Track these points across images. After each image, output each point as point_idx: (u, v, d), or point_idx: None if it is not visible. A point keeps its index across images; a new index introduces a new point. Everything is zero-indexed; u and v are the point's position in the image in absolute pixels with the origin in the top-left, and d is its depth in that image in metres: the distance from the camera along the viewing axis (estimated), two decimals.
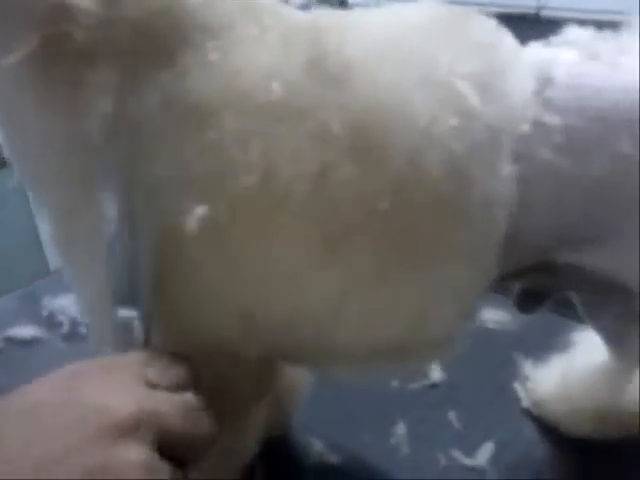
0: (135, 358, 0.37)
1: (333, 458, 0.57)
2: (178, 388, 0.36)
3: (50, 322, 0.74)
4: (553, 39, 0.41)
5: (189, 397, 0.36)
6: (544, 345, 0.63)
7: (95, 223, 0.40)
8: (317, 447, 0.57)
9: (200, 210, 0.36)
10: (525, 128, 0.38)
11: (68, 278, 0.43)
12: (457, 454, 0.56)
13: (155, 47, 0.37)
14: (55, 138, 0.37)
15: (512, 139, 0.38)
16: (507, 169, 0.38)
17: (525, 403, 0.61)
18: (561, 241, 0.40)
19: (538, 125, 0.38)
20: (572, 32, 0.41)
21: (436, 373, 0.65)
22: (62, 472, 0.29)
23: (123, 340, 0.43)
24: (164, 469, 0.32)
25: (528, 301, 0.50)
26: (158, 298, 0.41)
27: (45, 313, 0.75)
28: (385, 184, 0.37)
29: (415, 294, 0.40)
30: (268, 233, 0.38)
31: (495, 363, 0.66)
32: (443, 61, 0.38)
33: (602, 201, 0.38)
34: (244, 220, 0.37)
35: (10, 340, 0.72)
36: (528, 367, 0.64)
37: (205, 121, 0.36)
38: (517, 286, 0.50)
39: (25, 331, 0.73)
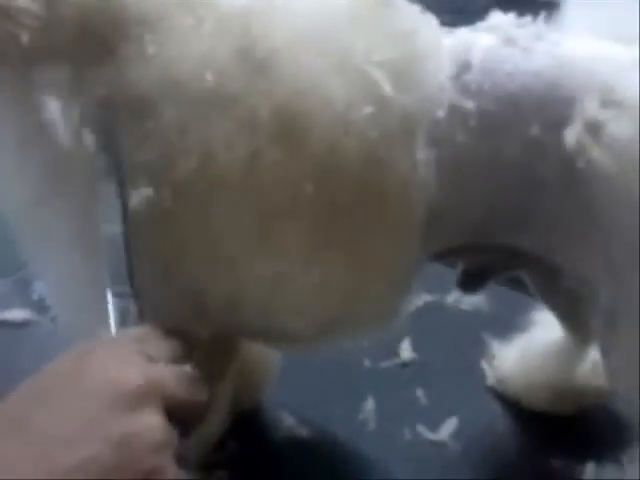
0: (133, 335, 0.39)
1: (303, 432, 0.59)
2: (175, 360, 0.38)
3: (40, 305, 0.77)
4: (479, 24, 0.43)
5: (186, 368, 0.37)
6: (513, 325, 0.65)
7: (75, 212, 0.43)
8: (288, 421, 0.60)
9: (143, 192, 0.38)
10: (440, 113, 0.40)
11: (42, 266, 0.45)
12: (422, 429, 0.59)
13: (97, 43, 0.39)
14: (11, 134, 0.40)
15: (427, 124, 0.40)
16: (422, 153, 0.40)
17: (490, 381, 0.63)
18: (490, 221, 0.42)
19: (454, 110, 0.40)
20: (495, 17, 0.42)
21: (407, 352, 0.67)
22: (91, 445, 0.30)
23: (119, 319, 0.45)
24: (174, 435, 0.34)
25: (470, 280, 0.52)
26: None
27: (35, 297, 0.78)
28: (308, 167, 0.39)
29: (344, 271, 0.42)
30: (208, 216, 0.40)
31: (465, 343, 0.68)
32: (360, 48, 0.39)
33: (518, 183, 0.40)
34: (186, 203, 0.39)
35: (3, 323, 0.76)
36: (496, 346, 0.66)
37: (144, 111, 0.38)
38: (460, 265, 0.52)
39: (17, 314, 0.76)
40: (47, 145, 0.39)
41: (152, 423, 0.32)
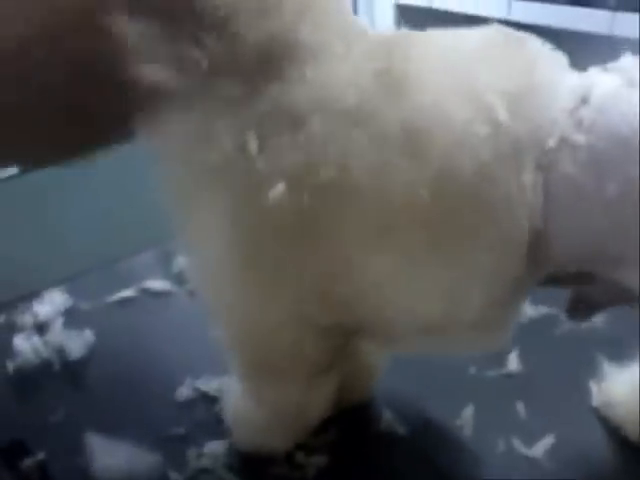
0: None
1: (401, 429, 0.62)
2: None
3: (179, 279, 0.85)
4: (609, 65, 0.44)
5: None
6: (630, 349, 0.63)
7: None
8: (387, 416, 0.63)
9: (281, 186, 0.44)
10: (551, 143, 0.42)
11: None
12: (517, 443, 0.60)
13: (269, 64, 0.45)
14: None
15: (537, 152, 0.42)
16: (529, 176, 0.42)
17: (595, 402, 0.63)
18: (592, 254, 0.43)
19: (565, 141, 0.42)
20: (625, 60, 0.43)
21: (513, 364, 0.68)
22: None
23: None
24: None
25: (577, 309, 0.53)
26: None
27: (176, 270, 0.86)
28: (427, 177, 0.43)
29: (447, 277, 0.46)
30: (339, 220, 0.45)
31: (576, 360, 0.67)
32: (483, 77, 0.43)
33: (618, 220, 0.40)
34: (320, 207, 0.44)
35: (145, 291, 0.84)
36: (607, 368, 0.65)
37: (297, 124, 0.44)
38: (569, 294, 0.53)
39: (158, 284, 0.85)
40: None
41: None
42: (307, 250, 0.46)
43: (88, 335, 0.75)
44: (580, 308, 0.53)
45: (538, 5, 1.69)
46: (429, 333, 0.50)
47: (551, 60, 0.45)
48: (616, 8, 1.49)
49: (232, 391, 0.61)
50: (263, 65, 0.45)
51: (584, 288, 0.50)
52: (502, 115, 0.42)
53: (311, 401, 0.56)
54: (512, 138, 0.42)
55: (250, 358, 0.55)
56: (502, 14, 1.79)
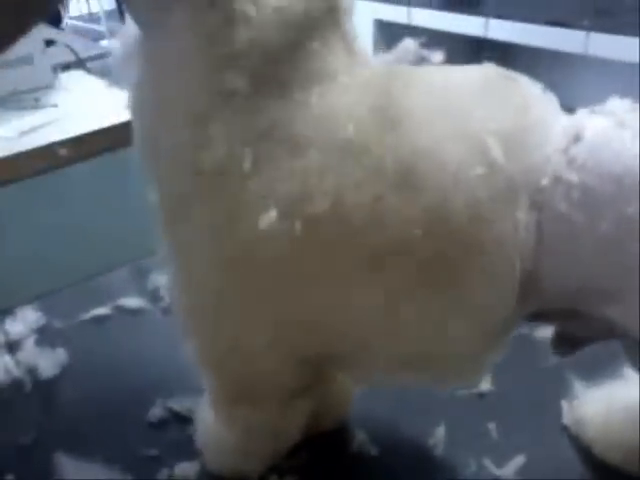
0: None
1: (373, 450, 0.62)
2: None
3: (154, 296, 0.84)
4: (597, 108, 0.45)
5: None
6: (602, 369, 0.64)
7: None
8: (360, 437, 0.63)
9: (272, 214, 0.43)
10: (544, 182, 0.42)
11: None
12: (488, 462, 0.60)
13: (277, 78, 0.45)
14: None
15: (531, 190, 0.43)
16: (523, 215, 0.42)
17: (566, 421, 0.64)
18: (581, 291, 0.44)
19: (558, 180, 0.42)
20: (613, 102, 0.45)
21: (485, 384, 0.68)
22: None
23: None
24: None
25: (562, 344, 0.53)
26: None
27: (151, 287, 0.86)
28: (420, 215, 0.43)
29: (437, 313, 0.46)
30: (330, 251, 0.45)
31: (548, 380, 0.68)
32: (478, 116, 0.43)
33: (611, 258, 0.41)
34: (312, 237, 0.44)
35: (119, 308, 0.84)
36: (579, 388, 0.66)
37: (297, 151, 0.44)
38: (554, 329, 0.53)
39: (132, 302, 0.84)
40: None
41: None
42: (293, 279, 0.46)
43: (61, 354, 0.75)
44: (564, 343, 0.53)
45: (515, 24, 1.72)
46: (411, 368, 0.50)
47: (543, 100, 0.46)
48: (590, 29, 1.52)
49: (204, 413, 0.60)
50: (266, 77, 0.44)
51: (569, 324, 0.50)
52: (497, 155, 0.42)
53: (285, 425, 0.56)
54: (506, 177, 0.42)
55: (225, 383, 0.54)
56: (479, 32, 1.82)
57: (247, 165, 0.44)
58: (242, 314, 0.49)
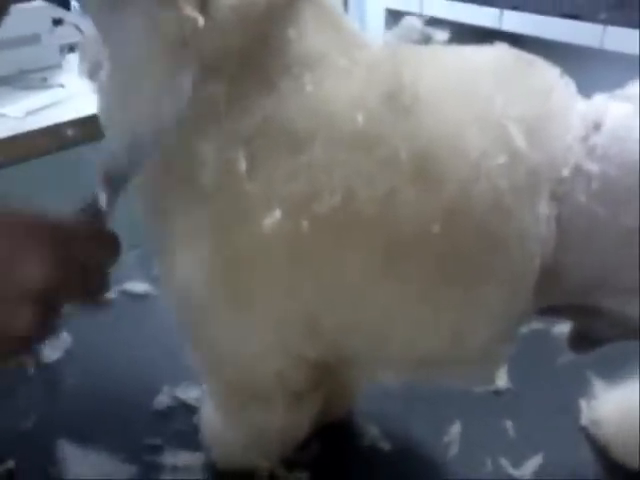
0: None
1: (385, 445, 0.60)
2: None
3: (159, 280, 0.82)
4: (617, 92, 0.43)
5: None
6: (622, 368, 0.62)
7: None
8: (371, 432, 0.61)
9: (277, 214, 0.41)
10: (565, 172, 0.40)
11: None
12: (504, 462, 0.58)
13: (257, 73, 0.42)
14: None
15: (552, 181, 0.40)
16: (544, 208, 0.40)
17: (584, 421, 0.62)
18: (601, 285, 0.42)
19: (578, 170, 0.40)
20: (634, 87, 0.42)
21: (502, 381, 0.66)
22: None
23: None
24: None
25: (580, 341, 0.51)
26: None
27: (156, 272, 0.83)
28: (438, 208, 0.40)
29: (453, 311, 0.43)
30: (341, 248, 0.42)
31: (566, 378, 0.66)
32: (498, 103, 0.40)
33: (632, 252, 0.39)
34: (322, 234, 0.42)
35: (124, 293, 0.82)
36: (599, 387, 0.64)
37: (298, 146, 0.41)
38: (571, 326, 0.51)
39: (138, 286, 0.82)
40: None
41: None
42: (300, 279, 0.43)
43: (65, 337, 0.73)
44: (583, 341, 0.51)
45: (530, 16, 1.69)
46: (425, 367, 0.48)
47: (563, 85, 0.43)
48: (607, 22, 1.50)
49: (209, 408, 0.58)
50: (249, 73, 0.42)
51: (586, 321, 0.48)
52: (520, 143, 0.40)
53: (294, 421, 0.54)
54: (529, 168, 0.40)
55: (229, 384, 0.52)
56: (494, 24, 1.79)
57: (242, 169, 0.41)
58: (243, 316, 0.46)
